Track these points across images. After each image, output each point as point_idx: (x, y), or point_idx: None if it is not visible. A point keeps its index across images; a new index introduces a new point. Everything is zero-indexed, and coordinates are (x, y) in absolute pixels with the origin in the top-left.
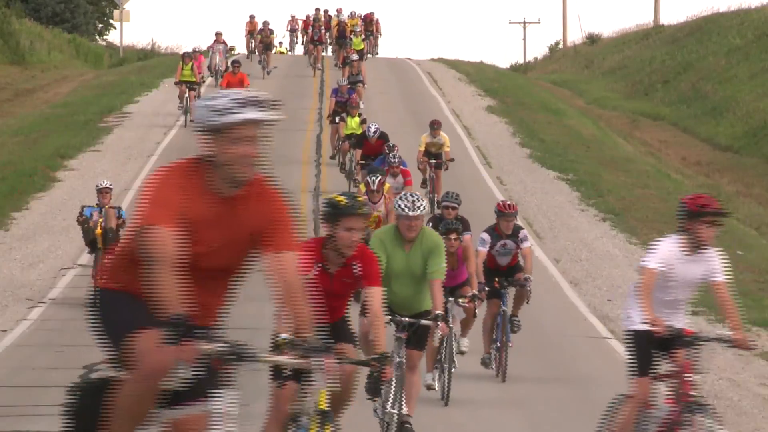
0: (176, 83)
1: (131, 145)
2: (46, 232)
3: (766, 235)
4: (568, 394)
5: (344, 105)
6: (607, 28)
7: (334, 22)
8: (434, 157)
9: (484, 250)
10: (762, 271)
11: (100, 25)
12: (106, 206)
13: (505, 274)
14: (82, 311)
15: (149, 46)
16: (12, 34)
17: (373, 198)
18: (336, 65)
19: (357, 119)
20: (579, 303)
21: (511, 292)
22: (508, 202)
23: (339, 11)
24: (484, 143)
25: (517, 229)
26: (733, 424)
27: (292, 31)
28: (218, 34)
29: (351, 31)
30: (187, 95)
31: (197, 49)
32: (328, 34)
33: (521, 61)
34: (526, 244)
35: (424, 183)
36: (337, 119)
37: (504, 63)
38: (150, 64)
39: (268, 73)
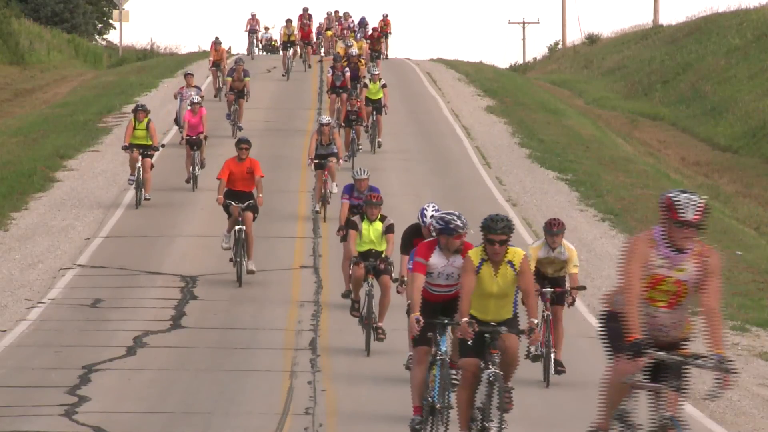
0: (125, 147)
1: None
2: (45, 233)
3: (765, 235)
4: (567, 394)
5: (360, 209)
6: (606, 28)
7: (340, 51)
8: (551, 283)
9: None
10: (761, 271)
11: (100, 25)
12: None
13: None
14: (81, 311)
15: (148, 47)
16: (11, 34)
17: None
18: (339, 125)
19: (378, 225)
20: (578, 303)
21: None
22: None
23: (345, 34)
24: (484, 143)
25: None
26: (733, 424)
27: (252, 32)
28: (189, 76)
29: (363, 67)
30: (140, 164)
31: (197, 98)
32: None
33: (520, 61)
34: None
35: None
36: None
37: (503, 63)
38: (149, 65)
39: (240, 129)
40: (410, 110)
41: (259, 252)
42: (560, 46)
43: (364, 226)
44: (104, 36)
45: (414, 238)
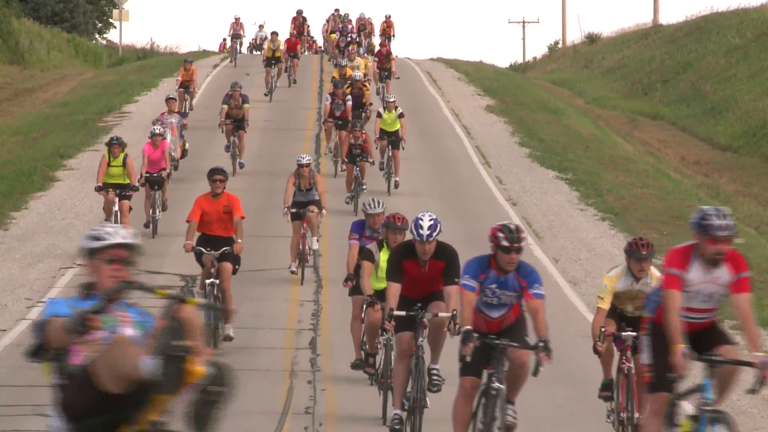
0: (98, 188)
1: (130, 144)
2: (45, 232)
3: (765, 234)
4: (566, 394)
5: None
6: (606, 27)
7: (336, 75)
8: (630, 325)
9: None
10: (762, 271)
11: (100, 25)
12: None
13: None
14: None
15: (148, 46)
16: (11, 33)
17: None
18: (340, 161)
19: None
20: (578, 302)
21: None
22: None
23: (350, 50)
24: (484, 143)
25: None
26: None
27: (236, 37)
28: (170, 101)
29: (368, 92)
30: (117, 207)
31: (159, 128)
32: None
33: (520, 61)
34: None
35: (606, 388)
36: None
37: (503, 62)
38: (149, 64)
39: (241, 166)
40: (410, 110)
41: (259, 251)
42: (560, 46)
43: (383, 257)
44: (104, 35)
45: (404, 259)
